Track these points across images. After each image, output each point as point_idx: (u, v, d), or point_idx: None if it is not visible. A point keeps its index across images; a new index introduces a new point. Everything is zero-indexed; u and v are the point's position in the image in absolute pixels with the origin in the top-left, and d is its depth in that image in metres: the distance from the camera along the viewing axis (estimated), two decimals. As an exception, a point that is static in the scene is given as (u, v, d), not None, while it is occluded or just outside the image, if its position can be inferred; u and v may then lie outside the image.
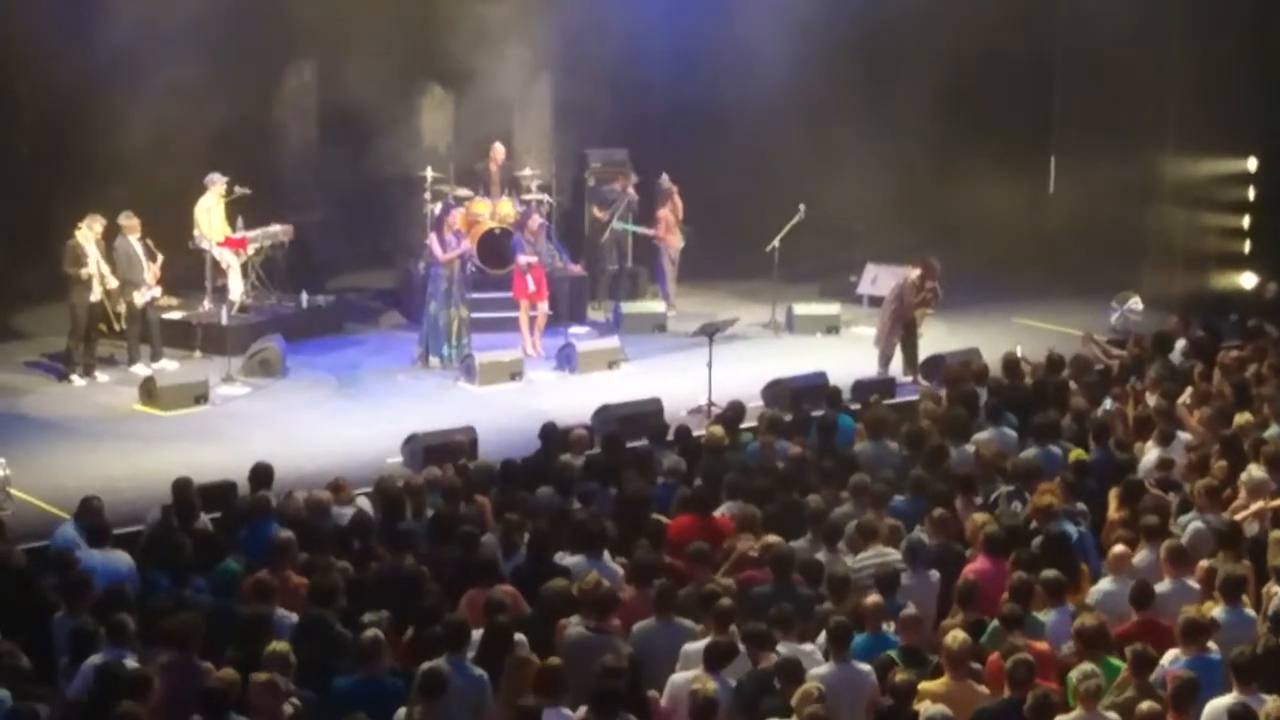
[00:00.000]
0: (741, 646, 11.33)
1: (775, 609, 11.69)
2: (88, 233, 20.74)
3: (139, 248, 21.14)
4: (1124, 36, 25.47)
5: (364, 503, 14.61)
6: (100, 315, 21.10)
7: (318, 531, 13.60)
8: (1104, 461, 15.53)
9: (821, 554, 13.21)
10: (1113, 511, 14.27)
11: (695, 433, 16.96)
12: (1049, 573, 12.34)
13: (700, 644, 11.35)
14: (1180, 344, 19.66)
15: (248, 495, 14.63)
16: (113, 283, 20.91)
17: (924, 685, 10.96)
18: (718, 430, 16.22)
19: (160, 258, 21.40)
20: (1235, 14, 24.70)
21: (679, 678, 11.18)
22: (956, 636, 11.16)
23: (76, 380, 20.72)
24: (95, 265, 20.70)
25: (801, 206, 23.82)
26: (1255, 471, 14.45)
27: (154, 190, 23.04)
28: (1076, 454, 15.49)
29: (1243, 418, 16.16)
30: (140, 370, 20.87)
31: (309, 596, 12.10)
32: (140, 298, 21.11)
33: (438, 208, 23.38)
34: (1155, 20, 25.07)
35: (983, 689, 11.08)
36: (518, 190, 24.66)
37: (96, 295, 20.76)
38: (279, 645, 11.00)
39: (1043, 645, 11.48)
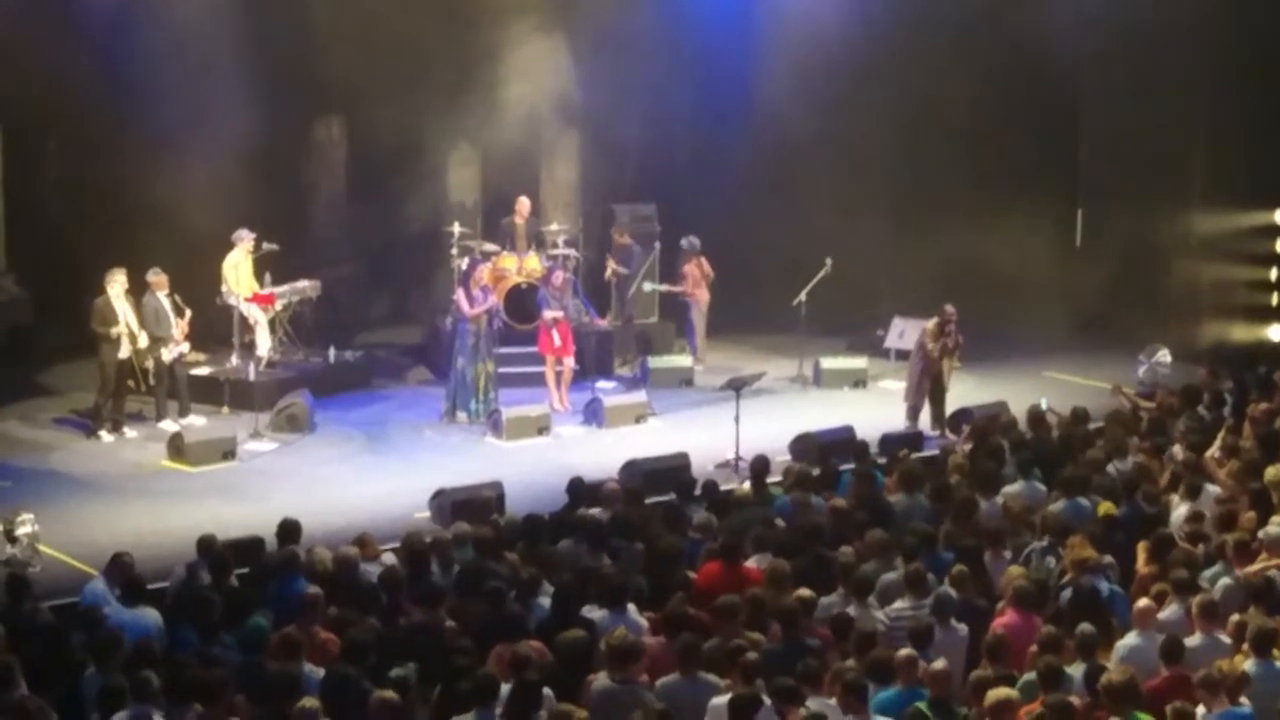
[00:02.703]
0: (768, 700, 11.26)
1: (802, 664, 11.62)
2: (116, 289, 20.77)
3: (167, 304, 21.15)
4: (1150, 88, 25.53)
5: (390, 558, 14.59)
6: (129, 371, 21.15)
7: (346, 587, 13.58)
8: (1132, 515, 15.45)
9: (852, 608, 13.16)
10: (1142, 565, 14.20)
11: (723, 487, 16.93)
12: (1084, 627, 12.26)
13: (725, 699, 11.30)
14: (1208, 397, 19.62)
15: (275, 551, 14.63)
16: (143, 340, 20.95)
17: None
18: (746, 487, 16.19)
19: (188, 313, 21.44)
20: (1262, 65, 24.71)
21: None
22: (998, 693, 11.09)
23: (105, 437, 20.78)
24: (124, 323, 20.76)
25: (828, 260, 23.84)
26: (1273, 528, 14.38)
27: (183, 245, 23.16)
28: (1105, 507, 15.41)
29: (1273, 471, 16.07)
30: (168, 426, 20.92)
31: (338, 653, 12.07)
32: (168, 354, 21.16)
33: (465, 263, 23.47)
34: (1181, 72, 25.11)
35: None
36: (543, 245, 24.71)
37: (125, 352, 20.80)
38: (308, 702, 10.97)
39: (1074, 699, 11.41)
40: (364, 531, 14.93)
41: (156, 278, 21.23)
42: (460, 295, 22.00)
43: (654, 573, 14.18)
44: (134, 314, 20.95)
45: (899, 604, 13.33)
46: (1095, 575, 13.60)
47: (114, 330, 20.61)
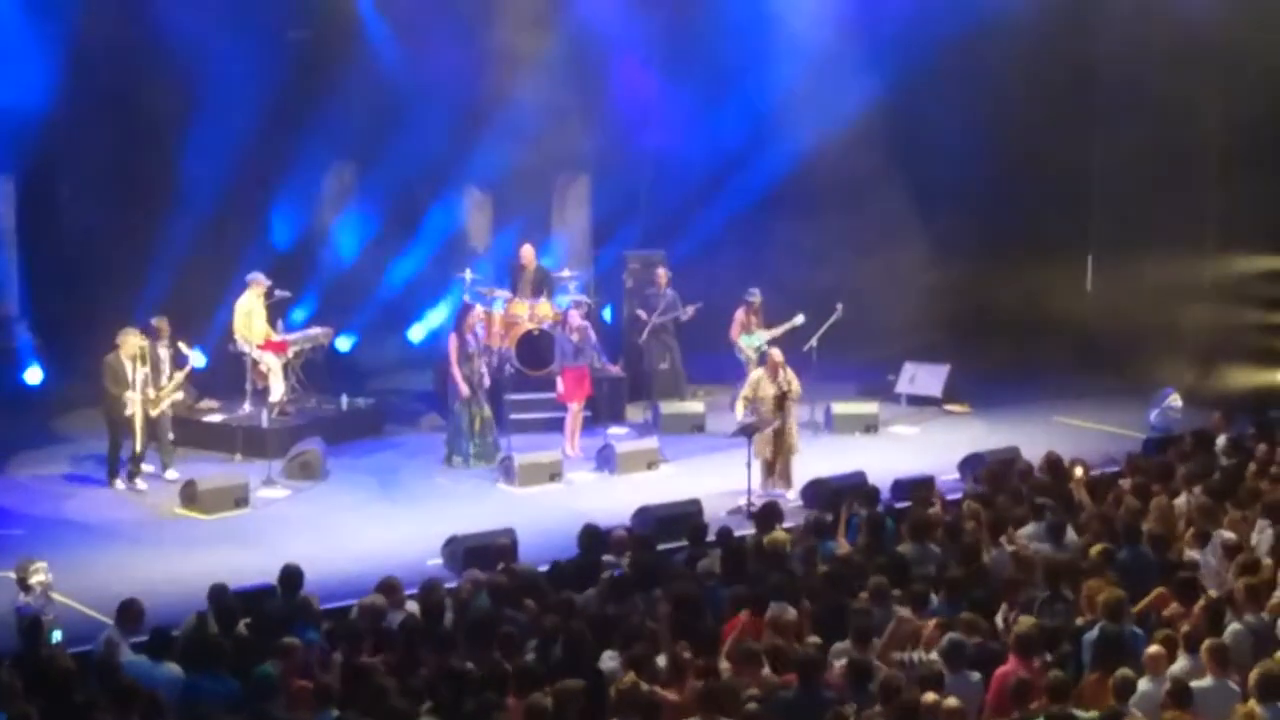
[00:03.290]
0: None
1: (823, 716, 11.59)
2: (129, 348, 20.60)
3: (165, 354, 21.08)
4: (1161, 133, 25.57)
5: (413, 605, 14.58)
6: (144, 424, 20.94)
7: (366, 634, 13.56)
8: (1134, 560, 15.37)
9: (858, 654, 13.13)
10: (1168, 611, 14.11)
11: (736, 533, 16.92)
12: (1123, 672, 12.24)
13: None
14: (1221, 441, 19.60)
15: (285, 599, 14.62)
16: (152, 392, 20.84)
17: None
18: (781, 535, 16.11)
19: (190, 362, 21.38)
20: (1274, 110, 24.75)
21: None
22: None
23: (119, 485, 20.73)
24: (135, 383, 20.57)
25: (839, 305, 23.86)
26: None
27: (193, 294, 23.36)
28: (1097, 548, 15.31)
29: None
30: (171, 475, 20.92)
31: (359, 698, 12.05)
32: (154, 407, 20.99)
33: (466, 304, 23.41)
34: (1192, 117, 25.16)
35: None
36: (553, 289, 24.69)
37: (130, 410, 20.52)
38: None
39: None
40: (391, 577, 14.84)
41: (158, 323, 21.27)
42: (451, 341, 22.02)
43: (670, 619, 14.14)
44: (144, 370, 20.70)
45: (914, 653, 13.29)
46: (1121, 618, 13.53)
47: (126, 394, 20.44)
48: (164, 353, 21.08)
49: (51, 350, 24.44)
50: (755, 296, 24.25)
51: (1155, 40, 25.36)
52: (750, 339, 23.70)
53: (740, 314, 24.19)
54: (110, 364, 20.59)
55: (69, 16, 23.33)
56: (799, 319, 23.90)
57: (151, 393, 20.79)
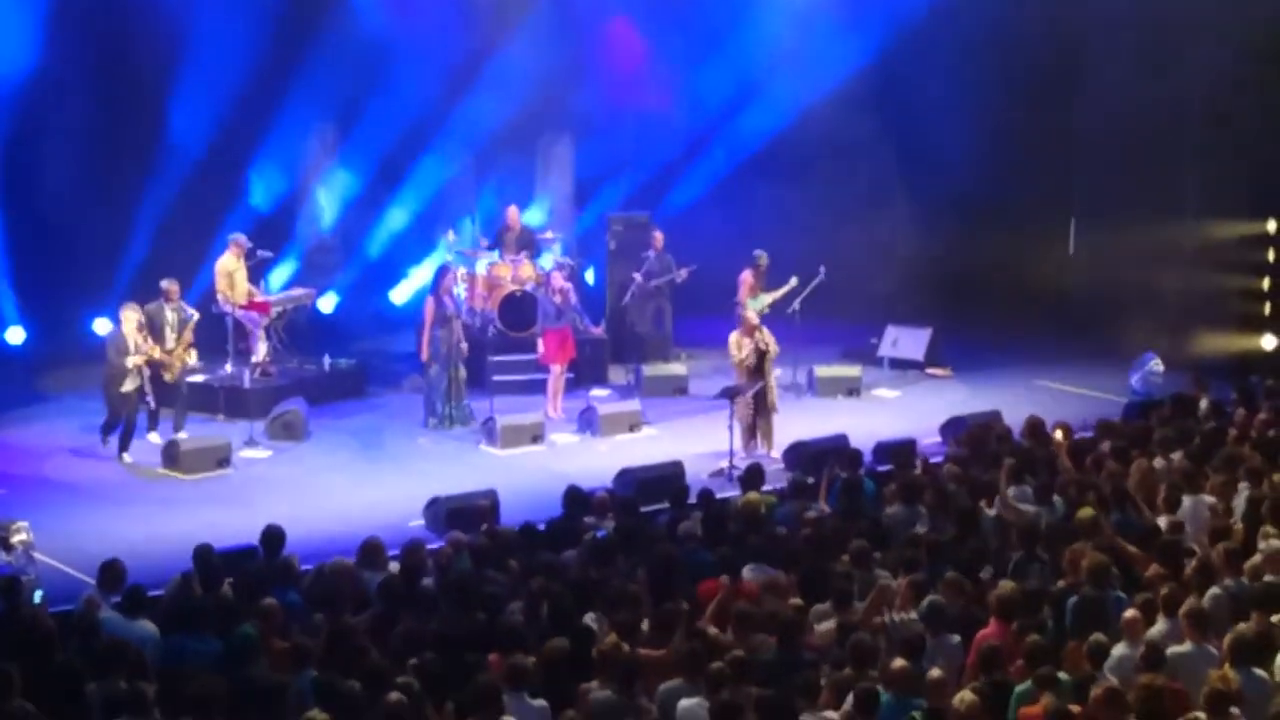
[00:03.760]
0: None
1: (799, 677, 11.62)
2: (130, 324, 20.26)
3: (170, 316, 20.92)
4: (1143, 98, 25.59)
5: (396, 567, 14.59)
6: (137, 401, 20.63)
7: (345, 596, 13.58)
8: (1123, 524, 15.41)
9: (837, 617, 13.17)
10: (1150, 574, 14.13)
11: (718, 495, 16.95)
12: (1096, 637, 12.27)
13: (694, 701, 11.29)
14: (1203, 406, 19.63)
15: (267, 560, 14.63)
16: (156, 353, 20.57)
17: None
18: (754, 497, 16.15)
19: (194, 317, 21.24)
20: (1255, 75, 24.77)
21: None
22: (964, 698, 11.15)
23: (110, 443, 20.50)
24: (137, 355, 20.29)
25: (821, 268, 23.86)
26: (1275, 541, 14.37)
27: (175, 255, 23.38)
28: (1085, 512, 15.33)
29: (1263, 484, 16.10)
30: (183, 437, 20.71)
31: (339, 658, 12.07)
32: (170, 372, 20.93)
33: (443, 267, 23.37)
34: (1173, 83, 25.16)
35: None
36: (536, 250, 24.67)
37: (131, 385, 20.24)
38: (316, 714, 10.91)
39: (1076, 708, 11.41)
40: (374, 538, 14.85)
41: (169, 285, 21.10)
42: (428, 303, 22.01)
43: (650, 581, 14.17)
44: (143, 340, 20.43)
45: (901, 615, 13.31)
46: (1105, 583, 13.55)
47: (129, 360, 20.18)
48: (171, 315, 20.90)
49: (33, 310, 24.40)
50: (762, 258, 24.05)
51: (1138, 7, 25.35)
52: (754, 302, 23.70)
53: (747, 276, 23.88)
54: (114, 337, 20.32)
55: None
56: (794, 281, 23.83)
57: (161, 355, 20.64)
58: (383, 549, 14.61)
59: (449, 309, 21.87)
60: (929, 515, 15.91)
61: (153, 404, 20.81)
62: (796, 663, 12.13)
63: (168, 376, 20.77)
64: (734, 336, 20.91)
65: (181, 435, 20.69)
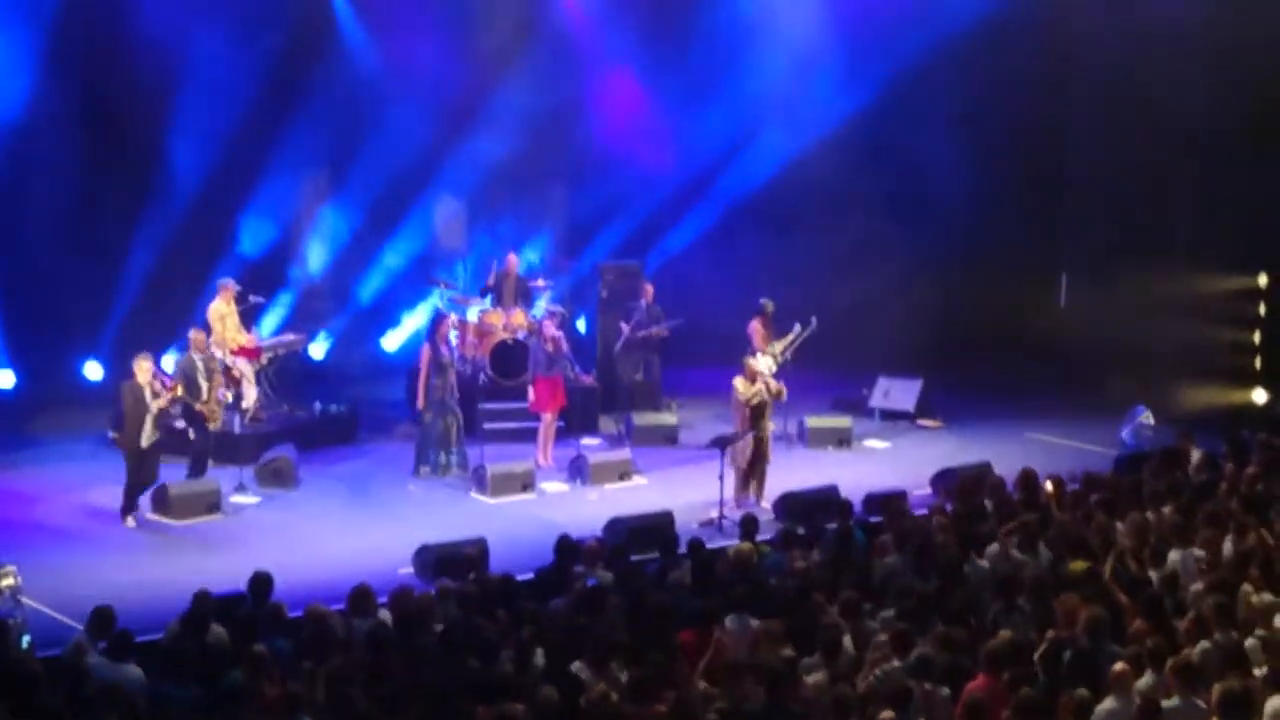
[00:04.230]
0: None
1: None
2: (144, 375, 19.64)
3: (201, 365, 20.54)
4: (1135, 151, 25.70)
5: (386, 614, 14.55)
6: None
7: (334, 644, 13.53)
8: (1114, 577, 15.39)
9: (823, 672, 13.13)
10: (1135, 628, 14.10)
11: (709, 545, 16.92)
12: (1080, 692, 12.21)
13: None
14: (1195, 458, 19.62)
15: (255, 606, 14.59)
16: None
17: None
18: (747, 546, 16.13)
19: (216, 377, 20.90)
20: (1248, 129, 24.87)
21: None
22: None
23: (130, 524, 19.72)
24: (150, 409, 19.64)
25: (813, 319, 23.84)
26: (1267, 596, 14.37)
27: (166, 300, 23.42)
28: (1078, 564, 15.33)
29: (1250, 538, 16.09)
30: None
31: (329, 706, 12.03)
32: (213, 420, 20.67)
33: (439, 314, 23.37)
34: (1163, 137, 25.27)
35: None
36: (526, 299, 24.68)
37: (147, 440, 19.59)
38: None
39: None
40: (364, 585, 14.79)
41: (195, 334, 20.87)
42: (424, 350, 22.02)
43: (639, 630, 14.13)
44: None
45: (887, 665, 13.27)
46: (1100, 636, 13.52)
47: (154, 404, 19.47)
48: (202, 364, 20.55)
49: (22, 354, 24.39)
50: (768, 305, 24.08)
51: (1129, 60, 25.47)
52: (769, 349, 23.74)
53: (757, 325, 23.94)
54: (127, 390, 19.65)
55: (42, 22, 23.38)
56: (799, 328, 23.79)
57: (200, 406, 20.33)
58: (372, 595, 14.55)
59: (445, 356, 21.88)
60: (915, 566, 15.90)
61: (199, 444, 20.59)
62: (785, 714, 12.08)
63: (212, 425, 20.51)
64: (741, 379, 20.83)
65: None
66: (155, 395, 19.42)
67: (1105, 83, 26.16)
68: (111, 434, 20.63)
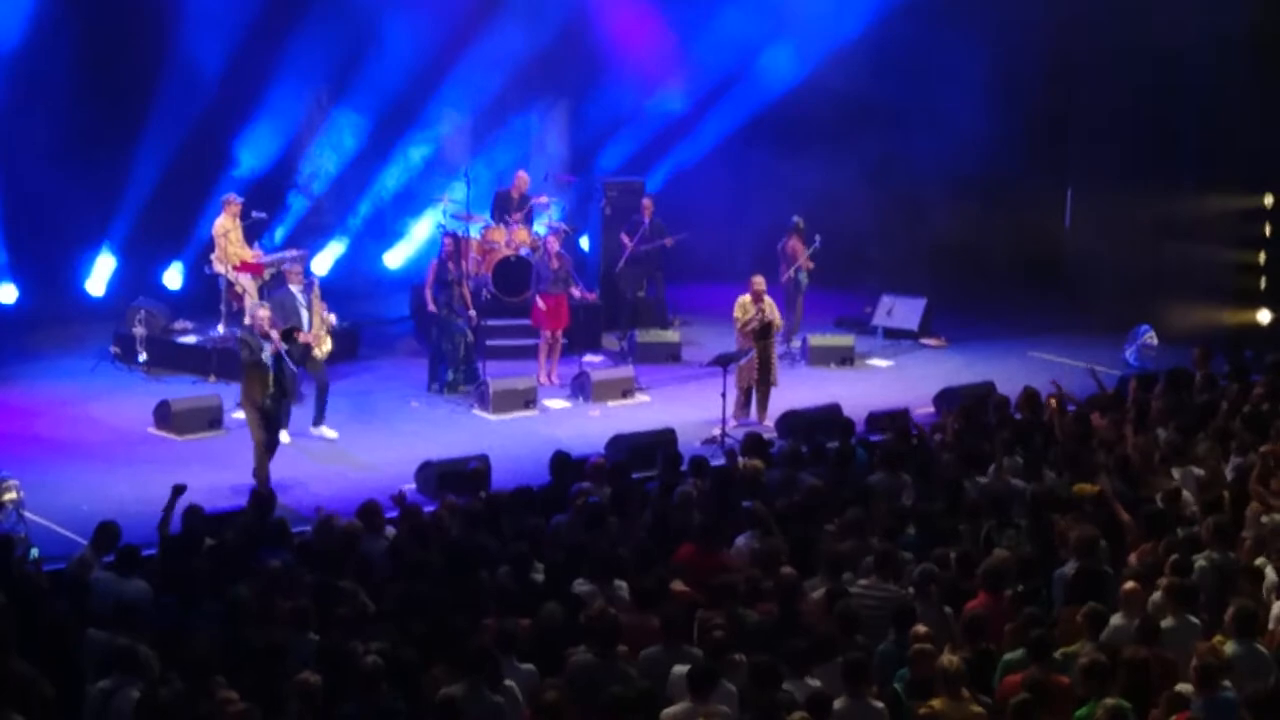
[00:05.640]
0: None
1: (790, 644, 11.59)
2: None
3: (300, 297, 20.06)
4: (1139, 71, 25.58)
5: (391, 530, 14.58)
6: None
7: (344, 560, 13.54)
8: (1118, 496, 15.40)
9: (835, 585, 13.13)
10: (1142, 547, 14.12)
11: (713, 463, 16.93)
12: (1094, 606, 12.22)
13: (684, 669, 11.28)
14: (1200, 378, 19.59)
15: (259, 522, 14.60)
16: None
17: (922, 710, 10.97)
18: (758, 463, 16.10)
19: (329, 316, 20.45)
20: (1253, 49, 24.73)
21: (669, 712, 11.02)
22: (951, 660, 11.15)
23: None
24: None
25: (818, 237, 23.81)
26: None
27: (168, 216, 23.39)
28: (1081, 488, 15.32)
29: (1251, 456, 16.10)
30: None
31: (329, 623, 12.06)
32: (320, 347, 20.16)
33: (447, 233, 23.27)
34: (1171, 58, 25.13)
35: (978, 709, 11.04)
36: (527, 216, 24.57)
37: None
38: (309, 676, 10.89)
39: (1064, 680, 11.40)
40: (372, 501, 14.78)
41: (290, 268, 20.54)
42: (431, 269, 22.00)
43: (643, 545, 14.15)
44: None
45: (864, 581, 13.25)
46: (1095, 556, 13.54)
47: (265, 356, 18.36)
48: (300, 295, 20.09)
49: (24, 268, 24.36)
50: (800, 223, 24.16)
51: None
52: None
53: (795, 242, 24.12)
54: (246, 339, 18.67)
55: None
56: (817, 240, 23.84)
57: (306, 337, 19.69)
58: (380, 511, 14.58)
59: (451, 273, 21.82)
60: (916, 485, 15.91)
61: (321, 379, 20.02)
62: (793, 629, 12.11)
63: (318, 353, 20.04)
64: (742, 300, 20.80)
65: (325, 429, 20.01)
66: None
67: (1113, 2, 25.95)
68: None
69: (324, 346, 20.19)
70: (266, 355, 17.72)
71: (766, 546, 13.72)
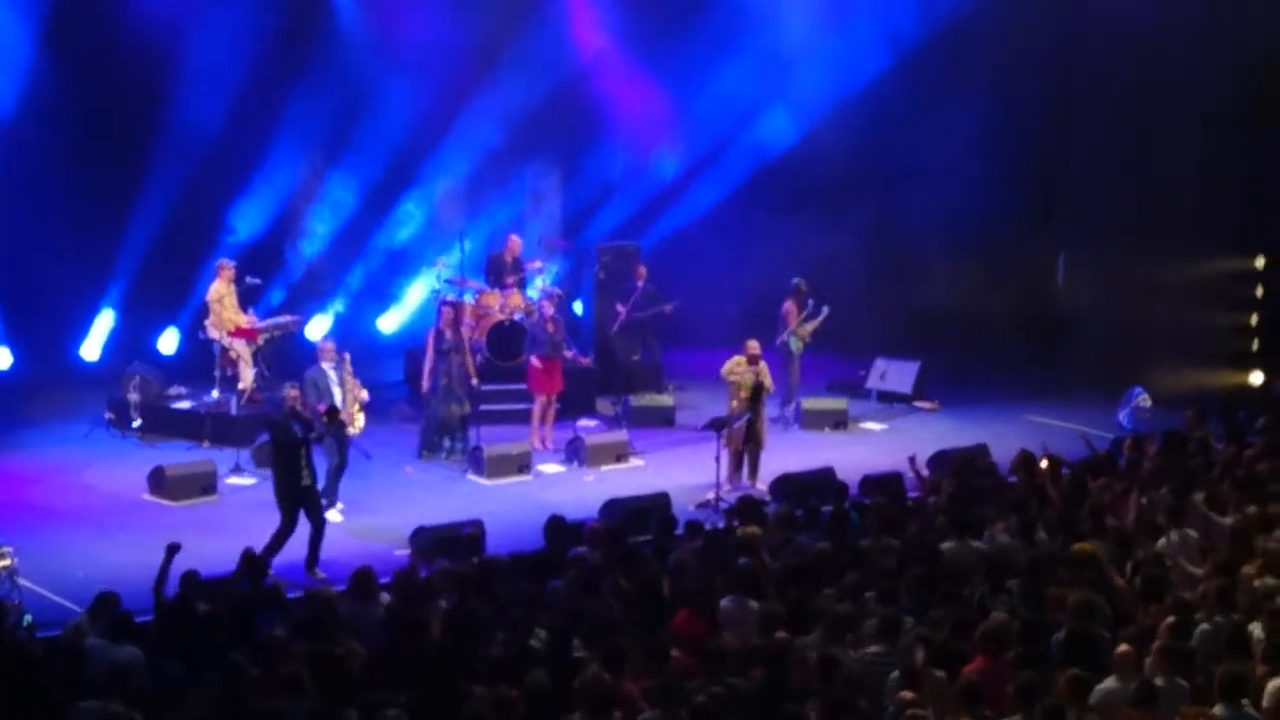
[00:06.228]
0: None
1: (786, 710, 11.55)
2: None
3: (332, 374, 19.70)
4: (1133, 133, 25.68)
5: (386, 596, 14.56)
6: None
7: (335, 623, 13.52)
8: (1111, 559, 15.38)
9: (835, 650, 13.10)
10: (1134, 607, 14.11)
11: (707, 527, 16.92)
12: (1077, 672, 12.19)
13: None
14: (1194, 441, 19.60)
15: (253, 587, 14.59)
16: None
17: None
18: (756, 530, 16.08)
19: (363, 393, 20.18)
20: (1246, 113, 24.85)
21: None
22: None
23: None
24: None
25: (825, 308, 23.89)
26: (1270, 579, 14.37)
27: (163, 281, 23.44)
28: (1083, 547, 15.31)
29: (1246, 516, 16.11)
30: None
31: (323, 687, 12.02)
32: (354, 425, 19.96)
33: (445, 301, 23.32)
34: (1162, 118, 25.25)
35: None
36: (521, 280, 24.61)
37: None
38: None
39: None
40: (367, 567, 14.76)
41: (325, 344, 20.12)
42: (431, 336, 22.03)
43: (636, 612, 14.13)
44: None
45: (874, 648, 13.25)
46: (1092, 620, 13.51)
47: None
48: (333, 372, 19.83)
49: (20, 334, 24.36)
50: (802, 286, 24.20)
51: (1131, 39, 25.41)
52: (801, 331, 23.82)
53: (791, 305, 24.16)
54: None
55: (38, 7, 23.35)
56: (825, 309, 23.92)
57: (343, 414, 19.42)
58: (374, 578, 14.54)
59: (449, 341, 21.84)
60: (909, 547, 15.89)
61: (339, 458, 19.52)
62: (782, 694, 12.08)
63: (352, 431, 19.85)
64: (739, 361, 20.82)
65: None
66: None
67: (1106, 64, 26.08)
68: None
69: (356, 424, 19.98)
70: (301, 437, 17.52)
71: (764, 610, 13.70)
